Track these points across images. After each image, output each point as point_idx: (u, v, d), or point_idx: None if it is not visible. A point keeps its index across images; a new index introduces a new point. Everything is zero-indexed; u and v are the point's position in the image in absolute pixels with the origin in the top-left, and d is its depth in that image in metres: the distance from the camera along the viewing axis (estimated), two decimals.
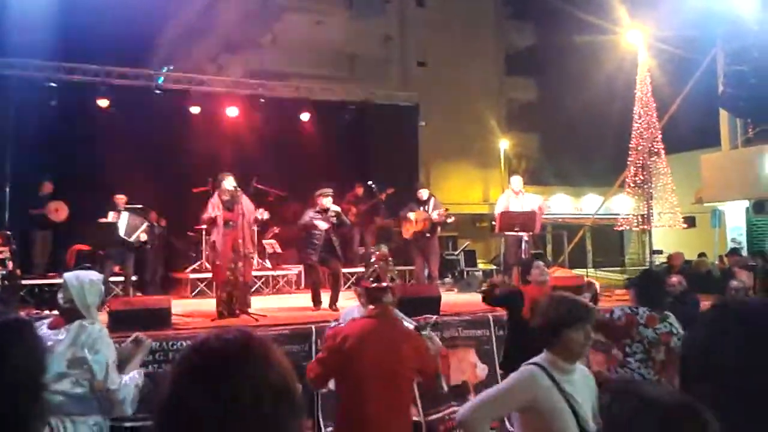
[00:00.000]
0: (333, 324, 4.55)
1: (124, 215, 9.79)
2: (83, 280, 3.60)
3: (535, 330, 2.99)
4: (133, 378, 3.53)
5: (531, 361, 2.93)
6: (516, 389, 2.83)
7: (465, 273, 13.02)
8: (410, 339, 3.60)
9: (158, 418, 1.20)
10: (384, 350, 3.36)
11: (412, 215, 10.00)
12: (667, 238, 18.62)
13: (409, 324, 4.06)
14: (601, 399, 1.59)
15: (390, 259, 3.87)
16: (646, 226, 15.88)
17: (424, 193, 10.26)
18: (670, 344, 4.50)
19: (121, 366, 3.57)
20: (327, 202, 8.64)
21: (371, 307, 3.59)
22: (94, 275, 3.77)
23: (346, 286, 9.90)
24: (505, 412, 2.94)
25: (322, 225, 8.48)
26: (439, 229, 10.24)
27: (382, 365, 3.33)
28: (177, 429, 1.17)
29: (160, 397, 1.20)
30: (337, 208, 8.80)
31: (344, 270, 9.74)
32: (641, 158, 15.77)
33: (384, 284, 3.54)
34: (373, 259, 3.69)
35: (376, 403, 3.26)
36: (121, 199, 10.00)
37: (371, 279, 3.57)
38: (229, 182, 7.95)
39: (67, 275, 3.67)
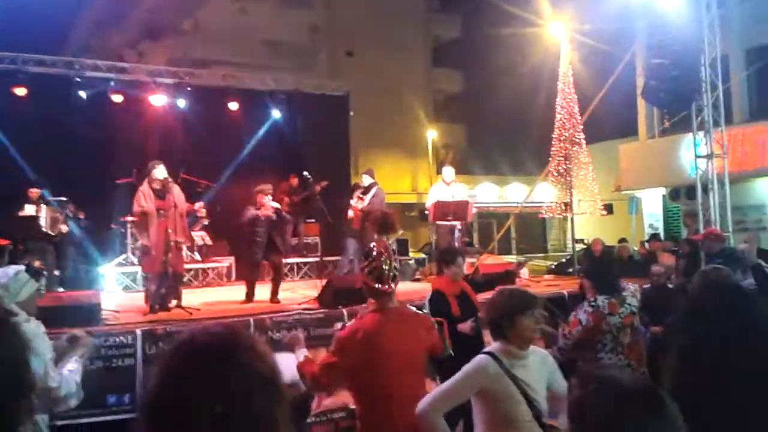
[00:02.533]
0: (339, 327, 4.47)
1: (44, 208, 9.40)
2: (9, 275, 3.46)
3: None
4: (72, 371, 3.40)
5: (484, 350, 3.12)
6: (467, 379, 3.01)
7: (399, 262, 13.07)
8: (418, 319, 3.65)
9: (147, 413, 1.22)
10: (402, 337, 3.39)
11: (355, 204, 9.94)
12: (587, 226, 19.27)
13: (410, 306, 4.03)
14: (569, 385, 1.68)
15: (392, 251, 3.71)
16: (568, 214, 16.39)
17: (365, 180, 10.20)
18: (633, 324, 4.63)
19: (56, 363, 3.43)
20: (266, 199, 8.59)
21: (372, 300, 3.53)
22: (18, 269, 3.59)
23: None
24: (459, 401, 3.03)
25: (268, 212, 8.46)
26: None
27: (402, 352, 3.37)
28: (169, 423, 1.18)
29: (148, 393, 1.23)
30: (277, 205, 8.78)
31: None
32: (564, 148, 16.25)
33: (387, 287, 3.45)
34: (375, 254, 3.52)
35: (398, 388, 3.29)
36: (35, 192, 9.63)
37: (373, 277, 3.44)
38: (160, 171, 7.73)
39: None
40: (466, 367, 3.04)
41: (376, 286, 3.43)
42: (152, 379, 1.23)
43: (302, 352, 3.74)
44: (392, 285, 3.47)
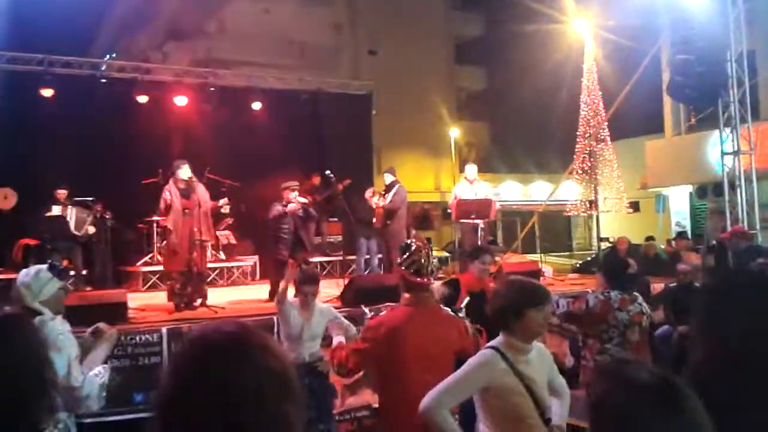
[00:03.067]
0: (370, 314, 4.47)
1: (71, 209, 9.54)
2: (30, 275, 3.50)
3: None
4: (98, 373, 3.43)
5: (488, 344, 3.06)
6: (472, 374, 2.94)
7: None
8: (451, 322, 3.61)
9: (161, 411, 1.22)
10: (430, 338, 3.36)
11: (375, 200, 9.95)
12: (613, 224, 19.07)
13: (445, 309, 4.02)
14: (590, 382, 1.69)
15: (430, 246, 3.69)
16: (593, 212, 16.24)
17: (387, 178, 10.19)
18: (642, 324, 4.62)
19: (82, 359, 3.48)
20: (293, 195, 8.61)
21: (407, 295, 3.50)
22: (39, 268, 3.63)
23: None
24: (464, 397, 2.98)
25: (294, 207, 8.51)
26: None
27: (429, 353, 3.33)
28: (182, 421, 1.19)
29: (161, 391, 1.24)
30: (304, 200, 8.78)
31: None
32: (588, 145, 16.11)
33: (426, 281, 3.43)
34: (413, 248, 3.50)
35: (419, 386, 3.26)
36: (62, 193, 9.78)
37: (411, 270, 3.41)
38: (185, 171, 7.83)
39: (21, 272, 3.56)
40: (471, 362, 2.99)
41: (416, 279, 3.41)
42: (165, 378, 1.24)
43: (337, 338, 3.80)
44: (431, 278, 3.47)
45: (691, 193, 18.85)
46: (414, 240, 3.58)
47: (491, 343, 3.03)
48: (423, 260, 3.42)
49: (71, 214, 9.52)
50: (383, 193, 9.98)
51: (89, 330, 3.64)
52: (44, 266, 3.66)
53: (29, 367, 1.39)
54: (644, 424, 1.33)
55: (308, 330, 4.98)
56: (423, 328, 3.38)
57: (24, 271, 3.58)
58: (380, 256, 10.32)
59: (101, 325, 3.67)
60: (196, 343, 1.27)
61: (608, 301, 4.60)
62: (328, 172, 10.31)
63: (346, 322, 5.15)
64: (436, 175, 28.17)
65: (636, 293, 4.76)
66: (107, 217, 11.02)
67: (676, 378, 1.42)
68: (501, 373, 2.88)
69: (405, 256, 3.47)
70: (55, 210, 9.59)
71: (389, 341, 3.34)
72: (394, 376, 3.39)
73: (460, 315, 4.07)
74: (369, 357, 3.43)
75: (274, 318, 6.44)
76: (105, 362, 3.61)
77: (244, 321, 1.38)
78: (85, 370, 3.40)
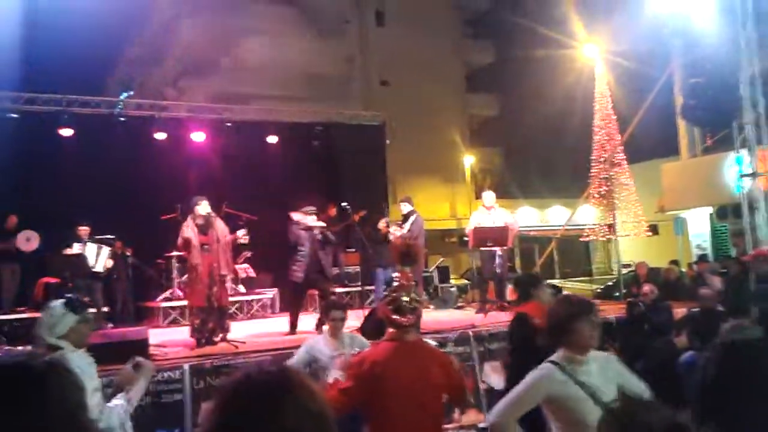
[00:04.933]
0: (352, 351, 4.43)
1: (90, 246, 9.63)
2: (47, 311, 3.58)
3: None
4: (118, 405, 3.44)
5: (547, 359, 3.15)
6: (533, 387, 3.06)
7: (439, 289, 13.03)
8: (436, 357, 3.57)
9: None
10: (411, 372, 3.34)
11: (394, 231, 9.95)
12: (631, 248, 18.92)
13: (429, 341, 3.99)
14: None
15: (414, 283, 3.68)
16: (611, 236, 16.14)
17: (404, 207, 10.21)
18: None
19: (116, 393, 3.51)
20: (311, 220, 8.64)
21: (390, 330, 3.50)
22: (53, 303, 3.67)
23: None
24: (526, 409, 3.07)
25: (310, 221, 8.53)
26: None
27: (411, 387, 3.31)
28: None
29: (203, 430, 1.30)
30: (322, 224, 8.81)
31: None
32: (604, 169, 16.06)
33: (406, 321, 3.41)
34: (396, 285, 3.51)
35: (405, 425, 3.25)
36: (84, 230, 9.88)
37: (391, 307, 3.42)
38: (203, 207, 7.89)
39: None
40: (532, 375, 3.09)
41: (395, 318, 3.42)
42: (210, 416, 1.30)
43: (334, 375, 3.76)
44: (410, 318, 3.44)
45: (711, 215, 18.68)
46: (398, 277, 3.56)
47: (550, 357, 3.15)
48: (403, 298, 3.42)
49: (90, 251, 9.60)
50: (401, 223, 10.00)
51: (129, 363, 3.69)
52: (59, 301, 3.69)
53: (66, 415, 1.41)
54: None
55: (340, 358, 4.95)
56: (404, 362, 3.36)
57: (46, 305, 3.67)
58: None
59: (140, 359, 3.73)
60: (239, 383, 1.33)
61: None
62: (344, 203, 10.34)
63: None
64: (451, 203, 28.16)
65: None
66: (127, 254, 11.13)
67: (687, 421, 1.43)
68: (561, 384, 3.00)
69: (387, 293, 3.50)
70: (76, 248, 9.69)
71: (372, 376, 3.33)
72: (378, 411, 3.36)
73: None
74: (354, 395, 3.38)
75: (294, 352, 6.43)
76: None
77: (281, 361, 1.40)
78: (108, 404, 3.42)
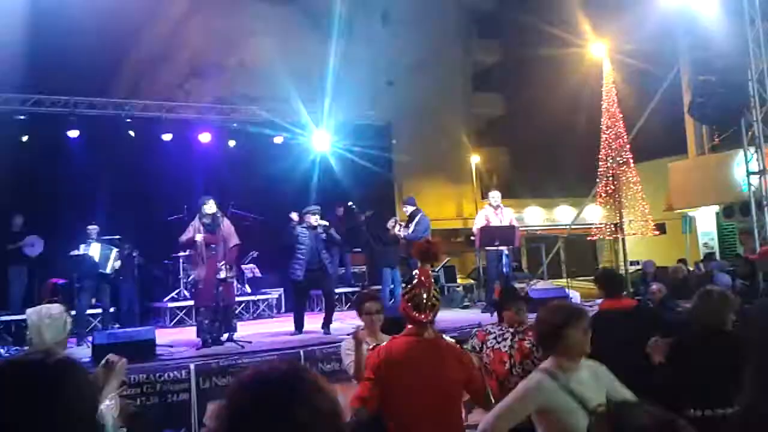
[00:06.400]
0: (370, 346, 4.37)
1: (95, 246, 9.67)
2: (42, 316, 3.48)
3: None
4: (107, 405, 3.43)
5: (538, 368, 3.12)
6: (526, 396, 3.00)
7: (446, 289, 13.01)
8: (454, 353, 3.54)
9: None
10: (430, 367, 3.32)
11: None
12: (639, 246, 18.84)
13: (448, 338, 3.98)
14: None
15: (433, 280, 3.66)
16: (618, 235, 16.09)
17: (407, 208, 10.19)
18: None
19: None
20: (314, 219, 8.65)
21: (409, 326, 3.48)
22: (56, 309, 3.64)
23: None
24: (518, 420, 3.02)
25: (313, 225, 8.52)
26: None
27: (428, 382, 3.29)
28: None
29: (215, 425, 1.30)
30: (326, 223, 8.79)
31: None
32: (611, 168, 16.01)
33: (423, 317, 3.39)
34: (415, 281, 3.50)
35: (425, 422, 3.22)
36: (93, 228, 9.89)
37: (410, 303, 3.41)
38: (209, 206, 7.91)
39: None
40: (523, 385, 3.05)
41: (414, 314, 3.41)
42: (220, 413, 1.30)
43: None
44: (429, 315, 3.43)
45: (717, 214, 18.58)
46: (417, 274, 3.54)
47: (541, 365, 3.11)
48: (423, 295, 3.41)
49: (95, 251, 9.64)
50: (405, 223, 9.98)
51: (101, 363, 3.65)
52: (57, 306, 3.61)
53: (82, 412, 1.42)
54: None
55: None
56: (421, 359, 3.35)
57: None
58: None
59: (112, 356, 3.68)
60: (251, 380, 1.33)
61: None
62: (350, 203, 10.34)
63: None
64: (457, 203, 28.11)
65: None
66: (134, 255, 11.15)
67: (679, 420, 1.43)
68: (552, 393, 2.94)
69: (407, 289, 3.48)
70: (83, 249, 9.72)
71: (387, 370, 3.32)
72: (398, 414, 3.34)
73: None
74: (376, 388, 3.35)
75: (300, 351, 6.45)
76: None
77: (292, 358, 1.40)
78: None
